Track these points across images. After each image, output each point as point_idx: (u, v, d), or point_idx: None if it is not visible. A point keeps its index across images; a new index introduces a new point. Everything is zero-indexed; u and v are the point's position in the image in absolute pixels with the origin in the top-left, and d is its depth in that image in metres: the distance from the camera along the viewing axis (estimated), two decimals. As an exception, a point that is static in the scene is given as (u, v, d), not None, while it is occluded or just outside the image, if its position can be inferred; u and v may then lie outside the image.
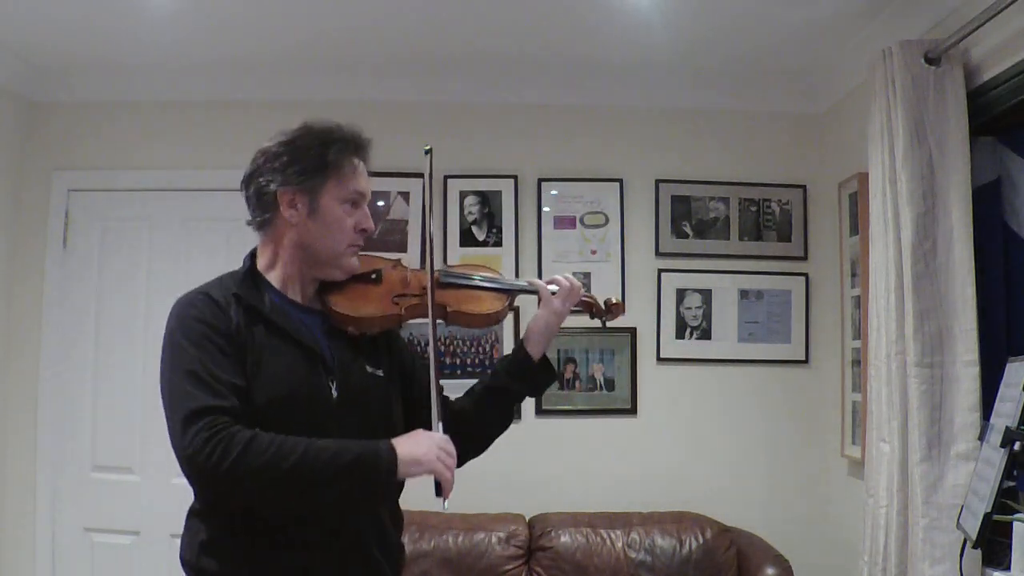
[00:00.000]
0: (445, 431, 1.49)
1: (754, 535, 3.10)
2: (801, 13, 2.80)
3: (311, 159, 1.56)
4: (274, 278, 1.59)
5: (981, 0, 2.19)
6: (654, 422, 3.35)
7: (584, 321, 3.33)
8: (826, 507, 3.26)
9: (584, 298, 1.74)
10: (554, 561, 2.95)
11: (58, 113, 3.43)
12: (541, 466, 3.25)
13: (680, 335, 3.38)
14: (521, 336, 1.72)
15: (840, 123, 3.29)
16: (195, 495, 1.53)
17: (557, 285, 1.70)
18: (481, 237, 3.40)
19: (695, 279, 3.41)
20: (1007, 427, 1.71)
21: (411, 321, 1.64)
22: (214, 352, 1.43)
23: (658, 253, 3.43)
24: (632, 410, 3.34)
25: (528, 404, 3.30)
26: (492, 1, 2.80)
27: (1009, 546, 1.89)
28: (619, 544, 2.98)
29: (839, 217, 3.21)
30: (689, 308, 3.40)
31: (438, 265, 1.71)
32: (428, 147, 1.79)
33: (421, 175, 3.38)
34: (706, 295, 3.40)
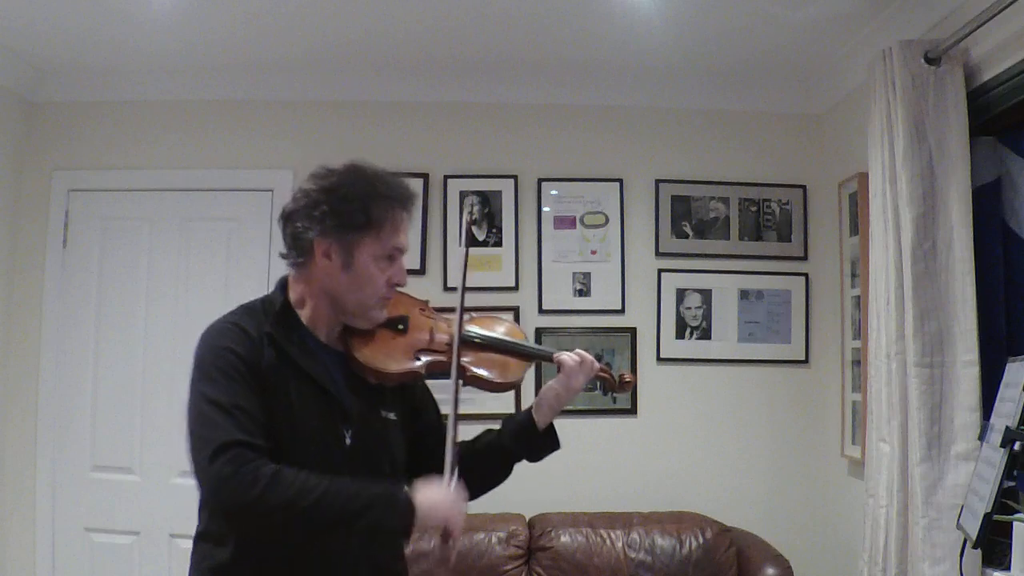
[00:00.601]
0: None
1: (754, 535, 3.10)
2: (801, 13, 2.80)
3: (351, 213, 1.52)
4: (303, 315, 1.59)
5: (981, 0, 2.19)
6: (654, 422, 3.35)
7: (584, 320, 3.36)
8: (826, 507, 3.26)
9: (600, 374, 1.73)
10: (554, 561, 2.95)
11: (58, 113, 3.43)
12: (541, 466, 3.23)
13: (680, 335, 3.38)
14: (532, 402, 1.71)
15: (840, 123, 3.29)
16: (203, 519, 1.55)
17: (573, 360, 1.68)
18: (481, 237, 3.40)
19: (695, 279, 3.41)
20: (1007, 427, 1.71)
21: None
22: (244, 387, 1.45)
23: (658, 253, 3.43)
24: (632, 410, 3.34)
25: (528, 404, 3.30)
26: (492, 2, 2.80)
27: (1009, 546, 1.89)
28: (619, 544, 2.98)
29: (839, 217, 3.21)
30: (689, 308, 3.40)
31: (466, 318, 1.70)
32: (471, 205, 1.78)
33: (423, 175, 3.39)
34: (706, 295, 3.40)
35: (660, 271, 3.41)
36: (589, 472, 3.27)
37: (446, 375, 1.60)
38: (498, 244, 3.40)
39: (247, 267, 3.34)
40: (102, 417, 3.31)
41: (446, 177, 3.40)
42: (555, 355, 1.70)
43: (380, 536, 1.45)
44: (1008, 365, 1.91)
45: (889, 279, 2.43)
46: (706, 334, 3.39)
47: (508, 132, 3.47)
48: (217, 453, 1.38)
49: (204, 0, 2.78)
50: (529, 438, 1.68)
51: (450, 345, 1.60)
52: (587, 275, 3.40)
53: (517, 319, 3.29)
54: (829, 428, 3.27)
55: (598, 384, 1.79)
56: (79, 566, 3.23)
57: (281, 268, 3.67)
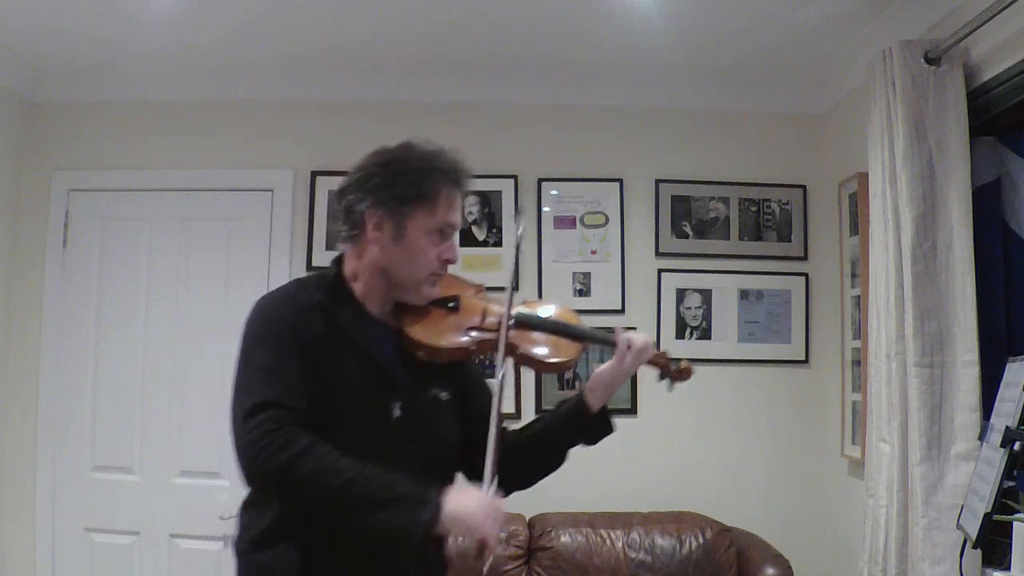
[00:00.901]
0: (496, 478, 1.48)
1: (754, 535, 3.10)
2: (801, 13, 2.80)
3: (404, 185, 1.53)
4: (357, 289, 1.59)
5: (981, 0, 2.19)
6: (654, 422, 3.34)
7: (584, 320, 3.34)
8: (826, 507, 3.26)
9: (655, 359, 1.71)
10: (554, 561, 2.95)
11: (58, 113, 3.43)
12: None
13: (680, 335, 3.38)
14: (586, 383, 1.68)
15: (840, 123, 3.29)
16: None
17: (631, 344, 1.66)
18: (481, 237, 3.40)
19: (695, 279, 3.41)
20: (1007, 427, 1.71)
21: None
22: (291, 355, 1.45)
23: (658, 253, 3.43)
24: (632, 410, 3.34)
25: (528, 404, 3.30)
26: (492, 2, 2.80)
27: (1009, 546, 1.89)
28: (619, 544, 2.98)
29: (839, 217, 3.21)
30: (689, 308, 3.40)
31: (519, 302, 1.69)
32: (519, 211, 1.77)
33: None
34: (706, 295, 3.40)
35: (660, 271, 3.41)
36: (589, 472, 3.25)
37: (495, 352, 1.59)
38: (498, 244, 3.40)
39: (247, 267, 3.34)
40: (102, 417, 3.31)
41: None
42: (611, 337, 1.68)
43: (399, 533, 1.39)
44: (1008, 365, 1.91)
45: (889, 279, 2.43)
46: (706, 334, 3.39)
47: (508, 132, 3.47)
48: (253, 412, 1.38)
49: (204, 0, 2.78)
50: (582, 421, 1.65)
51: (500, 324, 1.60)
52: (587, 275, 3.40)
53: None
54: (829, 428, 3.27)
55: (657, 371, 1.75)
56: (79, 566, 3.24)
57: (281, 268, 3.68)
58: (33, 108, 3.41)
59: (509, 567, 2.93)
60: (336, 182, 3.61)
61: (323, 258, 3.35)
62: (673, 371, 1.74)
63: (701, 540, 2.99)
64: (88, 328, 3.34)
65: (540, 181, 3.42)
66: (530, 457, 1.66)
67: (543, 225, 3.41)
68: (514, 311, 1.64)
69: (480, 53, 3.23)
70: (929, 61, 2.40)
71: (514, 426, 1.74)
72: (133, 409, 3.30)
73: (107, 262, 3.38)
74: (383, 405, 1.51)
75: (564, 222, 3.42)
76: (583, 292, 3.39)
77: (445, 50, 3.21)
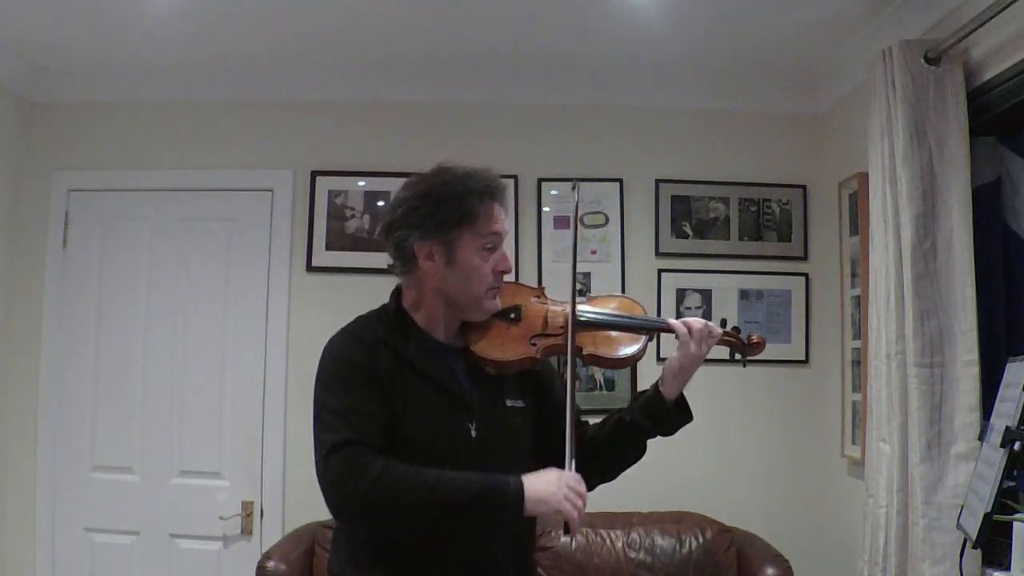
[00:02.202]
0: (576, 468, 1.52)
1: (754, 535, 3.10)
2: (801, 13, 2.80)
3: (446, 212, 1.57)
4: (419, 318, 1.63)
5: (981, 0, 2.19)
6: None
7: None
8: (826, 507, 3.26)
9: (725, 338, 1.73)
10: (554, 561, 2.95)
11: (58, 113, 3.43)
12: (541, 466, 3.24)
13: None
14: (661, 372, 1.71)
15: (840, 123, 3.29)
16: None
17: (690, 328, 1.67)
18: (481, 237, 3.40)
19: (695, 279, 3.41)
20: (1007, 427, 1.71)
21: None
22: (359, 392, 1.50)
23: (658, 253, 3.43)
24: (632, 410, 3.33)
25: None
26: (493, 2, 2.80)
27: (1009, 546, 1.89)
28: (619, 544, 2.98)
29: (839, 217, 3.21)
30: (689, 308, 3.40)
31: (581, 299, 1.71)
32: (575, 184, 1.78)
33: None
34: (706, 295, 3.40)
35: (660, 271, 3.41)
36: (589, 472, 3.27)
37: (564, 356, 1.62)
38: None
39: (247, 267, 3.34)
40: (102, 417, 3.31)
41: (446, 177, 3.40)
42: (671, 324, 1.70)
43: (492, 523, 1.48)
44: (1008, 365, 1.91)
45: (889, 279, 2.43)
46: (706, 334, 3.38)
47: (508, 132, 3.47)
48: (330, 453, 1.44)
49: (204, 0, 2.78)
50: (659, 412, 1.68)
51: (564, 327, 1.63)
52: (587, 275, 3.40)
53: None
54: (829, 428, 3.27)
55: (728, 350, 1.77)
56: (79, 566, 3.24)
57: (281, 268, 3.68)
58: (33, 108, 3.41)
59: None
60: (337, 182, 3.65)
61: (323, 258, 3.36)
62: (746, 347, 1.77)
63: (701, 540, 2.99)
64: (88, 328, 3.34)
65: (540, 181, 3.42)
66: (610, 450, 1.69)
67: (543, 225, 3.41)
68: (577, 311, 1.66)
69: (480, 53, 3.23)
70: (929, 61, 2.39)
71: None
72: (133, 409, 3.30)
73: (107, 262, 3.38)
74: (460, 428, 1.56)
75: (564, 222, 3.42)
76: (583, 292, 3.38)
77: (445, 50, 3.21)
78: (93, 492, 3.27)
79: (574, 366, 1.60)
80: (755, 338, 1.78)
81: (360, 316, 1.66)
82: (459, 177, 1.61)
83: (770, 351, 3.32)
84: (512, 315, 1.66)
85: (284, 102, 3.45)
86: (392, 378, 1.52)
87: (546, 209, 3.43)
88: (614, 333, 1.69)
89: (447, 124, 3.45)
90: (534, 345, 1.63)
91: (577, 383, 3.30)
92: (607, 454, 1.70)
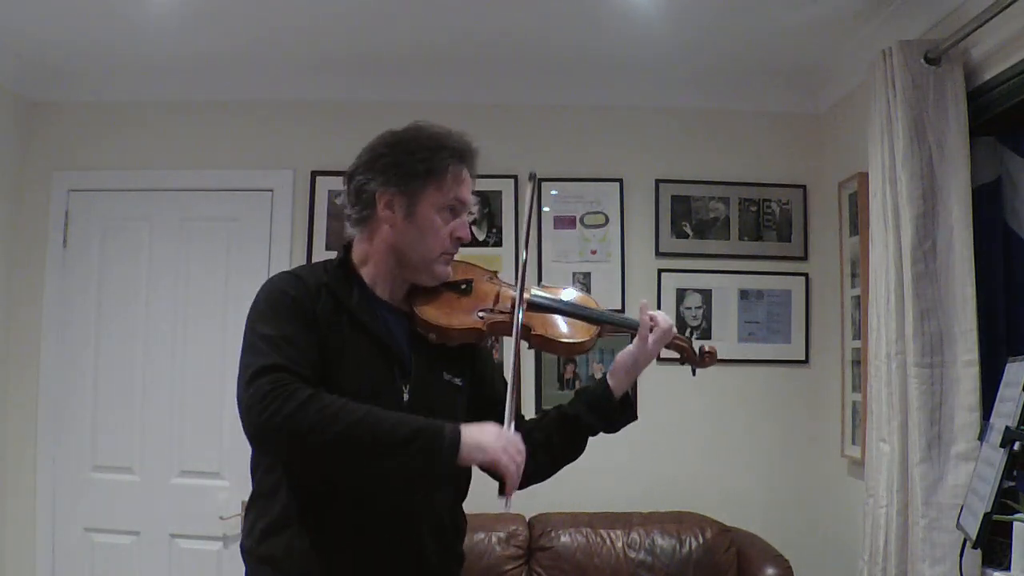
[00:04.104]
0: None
1: (754, 535, 3.10)
2: (801, 13, 2.80)
3: (414, 163, 1.54)
4: (366, 274, 1.58)
5: (981, 0, 2.19)
6: (654, 422, 3.34)
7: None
8: (826, 507, 3.26)
9: (677, 340, 1.69)
10: (554, 561, 2.95)
11: (58, 113, 3.43)
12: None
13: (680, 335, 3.37)
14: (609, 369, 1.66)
15: (840, 123, 3.29)
16: (256, 480, 1.52)
17: (653, 322, 1.63)
18: (481, 237, 3.40)
19: (695, 279, 3.41)
20: (1007, 427, 1.71)
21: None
22: (297, 325, 1.44)
23: (658, 253, 3.43)
24: (632, 410, 3.33)
25: (528, 404, 3.30)
26: (493, 2, 2.80)
27: (1009, 546, 1.89)
28: (619, 544, 2.98)
29: (839, 217, 3.21)
30: (689, 308, 3.40)
31: (534, 285, 1.69)
32: (533, 173, 1.77)
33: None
34: (706, 295, 3.40)
35: (660, 271, 3.41)
36: (589, 472, 3.25)
37: (509, 336, 1.57)
38: (498, 244, 3.40)
39: (247, 267, 3.34)
40: (102, 417, 3.31)
41: (446, 177, 3.40)
42: (628, 320, 1.66)
43: (425, 467, 1.36)
44: (1008, 365, 1.91)
45: (889, 279, 2.43)
46: (706, 334, 3.38)
47: (508, 132, 3.46)
48: (256, 375, 1.36)
49: (204, 1, 2.78)
50: (605, 407, 1.63)
51: (514, 305, 1.58)
52: (587, 275, 3.40)
53: (517, 319, 3.29)
54: (829, 428, 3.27)
55: (679, 356, 1.72)
56: (79, 566, 3.23)
57: (281, 268, 3.66)
58: (33, 108, 3.41)
59: (509, 567, 2.93)
60: (336, 182, 3.64)
61: (323, 258, 3.34)
62: (697, 358, 1.72)
63: (701, 540, 2.99)
64: (88, 328, 3.34)
65: (540, 181, 3.42)
66: (547, 447, 1.62)
67: (543, 225, 3.41)
68: (528, 294, 1.63)
69: (480, 53, 3.23)
70: (929, 61, 2.39)
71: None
72: (133, 409, 3.30)
73: (107, 262, 3.38)
74: (393, 387, 1.50)
75: (564, 222, 3.42)
76: (583, 292, 3.38)
77: (445, 50, 3.21)
78: (93, 492, 3.27)
79: (519, 333, 1.55)
80: (707, 348, 1.73)
81: (303, 264, 1.63)
82: (433, 133, 1.59)
83: (770, 351, 3.39)
84: (463, 286, 1.62)
85: (284, 102, 3.45)
86: (329, 324, 1.46)
87: (546, 209, 3.42)
88: (567, 319, 1.65)
89: (447, 124, 3.44)
90: (481, 318, 1.58)
91: (577, 383, 3.31)
92: (543, 452, 1.60)
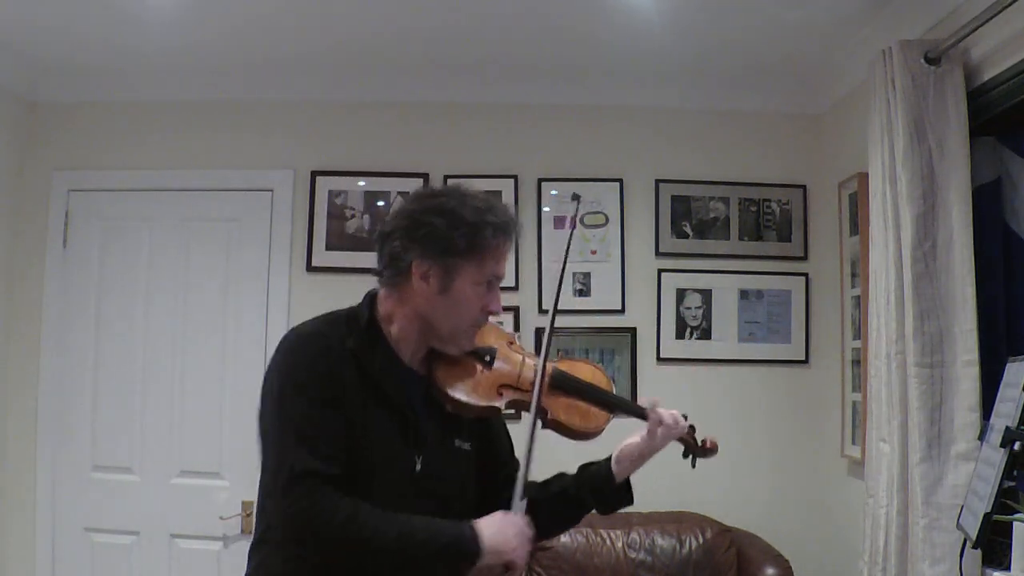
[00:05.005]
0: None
1: (754, 535, 3.10)
2: (801, 13, 2.80)
3: (456, 239, 1.48)
4: (390, 333, 1.55)
5: (981, 0, 2.18)
6: (654, 422, 3.34)
7: (584, 320, 3.34)
8: (826, 507, 3.26)
9: (685, 436, 1.70)
10: (554, 561, 2.95)
11: (58, 113, 3.43)
12: (542, 466, 3.24)
13: (680, 335, 3.38)
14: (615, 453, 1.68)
15: (840, 123, 3.29)
16: (260, 527, 1.53)
17: (661, 418, 1.65)
18: (481, 237, 3.39)
19: (695, 279, 3.41)
20: (1007, 427, 1.71)
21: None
22: (327, 409, 1.43)
23: (658, 253, 3.43)
24: (632, 410, 3.33)
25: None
26: (492, 2, 2.80)
27: (1009, 546, 1.89)
28: (619, 544, 2.98)
29: (839, 217, 3.21)
30: (689, 308, 3.40)
31: (553, 352, 1.68)
32: (576, 195, 1.78)
33: (423, 175, 3.38)
34: (706, 295, 3.40)
35: (660, 271, 3.41)
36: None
37: (526, 412, 1.58)
38: (498, 244, 3.39)
39: (247, 267, 3.34)
40: (102, 417, 3.31)
41: (446, 177, 3.39)
42: (647, 411, 1.66)
43: (449, 572, 1.49)
44: (1008, 365, 1.91)
45: (889, 279, 2.43)
46: (706, 334, 3.39)
47: (508, 132, 3.47)
48: (293, 483, 1.38)
49: (204, 0, 2.78)
50: (605, 490, 1.66)
51: (534, 384, 1.57)
52: (587, 275, 3.40)
53: (516, 319, 3.29)
54: (829, 428, 3.27)
55: (683, 448, 1.74)
56: (79, 566, 3.23)
57: (281, 268, 3.67)
58: (33, 108, 3.41)
59: None
60: (336, 182, 3.64)
61: (323, 258, 3.36)
62: (698, 448, 1.74)
63: (701, 540, 2.99)
64: (88, 328, 3.34)
65: (540, 181, 3.42)
66: (547, 515, 1.64)
67: (543, 225, 3.41)
68: (550, 368, 1.61)
69: (480, 53, 3.23)
70: (929, 61, 2.39)
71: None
72: (133, 409, 3.30)
73: (107, 262, 3.37)
74: (407, 457, 1.51)
75: (564, 222, 3.42)
76: (583, 292, 3.39)
77: (445, 50, 3.21)
78: (93, 492, 3.27)
79: (536, 424, 1.56)
80: (709, 443, 1.74)
81: (328, 314, 1.57)
82: (477, 207, 1.51)
83: (770, 351, 3.39)
84: (487, 358, 1.59)
85: (284, 102, 3.45)
86: (353, 393, 1.46)
87: (546, 209, 3.42)
88: (583, 403, 1.64)
89: (447, 124, 3.45)
90: (501, 395, 1.57)
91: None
92: (545, 519, 1.62)
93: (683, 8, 2.80)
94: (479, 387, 1.56)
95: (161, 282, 3.36)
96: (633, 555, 2.95)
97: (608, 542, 2.98)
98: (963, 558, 1.96)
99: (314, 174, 3.41)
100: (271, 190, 3.41)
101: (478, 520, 1.47)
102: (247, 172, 3.42)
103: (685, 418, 1.69)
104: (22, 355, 3.31)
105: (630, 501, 1.70)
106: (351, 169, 3.42)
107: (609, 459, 1.67)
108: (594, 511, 1.69)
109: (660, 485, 3.28)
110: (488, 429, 1.67)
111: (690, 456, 1.75)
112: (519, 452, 1.57)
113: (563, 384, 1.64)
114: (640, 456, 1.65)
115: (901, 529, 2.35)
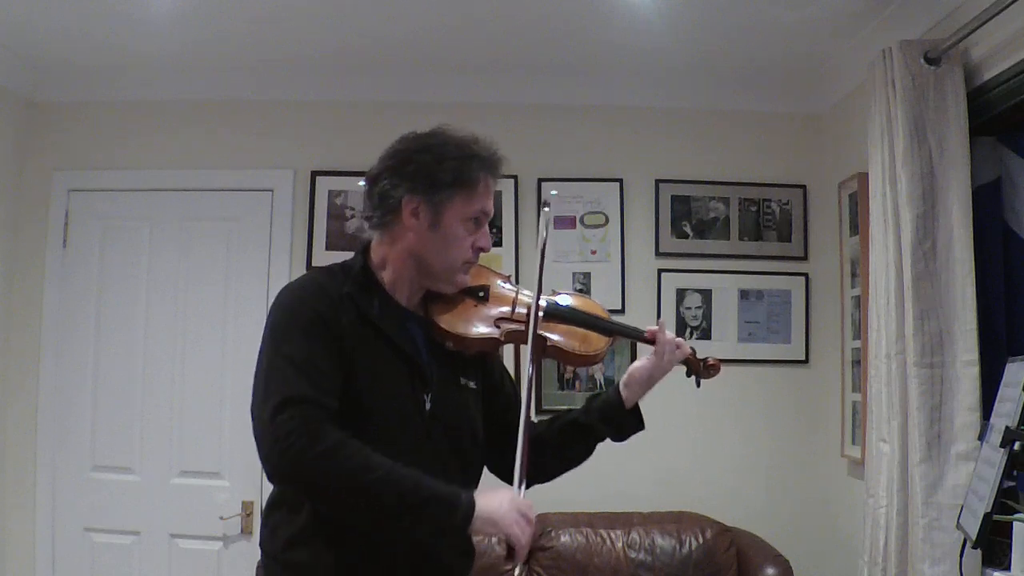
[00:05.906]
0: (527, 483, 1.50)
1: (754, 535, 3.10)
2: (801, 13, 2.80)
3: (443, 172, 1.52)
4: (385, 278, 1.57)
5: (981, 0, 2.19)
6: (654, 422, 3.31)
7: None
8: (826, 507, 3.26)
9: (689, 356, 1.72)
10: (554, 561, 2.95)
11: (58, 113, 3.43)
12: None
13: (680, 335, 3.34)
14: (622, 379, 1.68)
15: (840, 123, 3.29)
16: (277, 488, 1.52)
17: (667, 339, 1.66)
18: (481, 237, 3.40)
19: (695, 279, 3.41)
20: (1007, 427, 1.71)
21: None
22: (321, 347, 1.42)
23: (658, 253, 3.43)
24: (632, 410, 3.33)
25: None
26: (492, 2, 2.80)
27: (1009, 546, 1.89)
28: (619, 544, 2.98)
29: (839, 217, 3.21)
30: (689, 308, 3.40)
31: (547, 293, 1.70)
32: (547, 206, 1.85)
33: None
34: (706, 295, 3.40)
35: (660, 271, 3.41)
36: (589, 472, 3.25)
37: (526, 344, 1.59)
38: (498, 244, 3.39)
39: (247, 267, 3.34)
40: (102, 417, 3.31)
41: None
42: (646, 331, 1.68)
43: (434, 532, 1.43)
44: (1008, 365, 1.91)
45: (889, 279, 2.43)
46: (706, 334, 3.39)
47: (508, 132, 3.43)
48: (282, 407, 1.35)
49: (204, 0, 2.78)
50: (616, 416, 1.67)
51: (529, 315, 1.59)
52: (587, 275, 3.40)
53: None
54: (829, 428, 3.27)
55: (687, 368, 1.75)
56: (79, 566, 3.23)
57: (281, 268, 3.67)
58: (33, 108, 3.41)
59: (509, 567, 2.93)
60: (336, 182, 3.64)
61: (323, 258, 3.35)
62: (701, 368, 1.75)
63: (701, 540, 2.99)
64: (88, 328, 3.34)
65: (540, 181, 3.42)
66: (557, 450, 1.66)
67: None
68: (543, 301, 1.64)
69: (480, 53, 3.23)
70: (929, 61, 2.39)
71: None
72: (133, 409, 3.30)
73: (107, 262, 3.37)
74: (415, 397, 1.50)
75: (564, 222, 3.42)
76: (583, 292, 3.38)
77: (445, 50, 3.21)
78: (93, 492, 3.27)
79: (534, 375, 1.57)
80: (711, 360, 1.75)
81: (322, 267, 1.59)
82: (462, 140, 1.57)
83: (770, 351, 3.39)
84: (480, 293, 1.62)
85: (284, 102, 3.45)
86: (353, 336, 1.45)
87: (546, 209, 3.41)
88: (580, 329, 1.66)
89: (446, 123, 3.44)
90: (498, 327, 1.60)
91: (577, 384, 3.31)
92: (553, 455, 1.65)
93: (683, 8, 2.80)
94: (476, 321, 1.60)
95: (161, 282, 3.36)
96: (633, 555, 2.95)
97: (608, 542, 2.98)
98: (963, 558, 1.96)
99: (314, 174, 3.41)
100: (271, 190, 3.41)
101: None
102: (247, 172, 3.42)
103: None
104: (22, 355, 3.31)
105: (641, 426, 1.71)
106: (351, 169, 3.41)
107: (617, 386, 1.68)
108: (601, 449, 1.70)
109: (660, 485, 3.30)
110: (487, 372, 1.68)
111: (694, 376, 1.76)
112: (519, 456, 1.55)
113: (558, 312, 1.66)
114: (650, 378, 1.67)
115: (901, 529, 2.35)
